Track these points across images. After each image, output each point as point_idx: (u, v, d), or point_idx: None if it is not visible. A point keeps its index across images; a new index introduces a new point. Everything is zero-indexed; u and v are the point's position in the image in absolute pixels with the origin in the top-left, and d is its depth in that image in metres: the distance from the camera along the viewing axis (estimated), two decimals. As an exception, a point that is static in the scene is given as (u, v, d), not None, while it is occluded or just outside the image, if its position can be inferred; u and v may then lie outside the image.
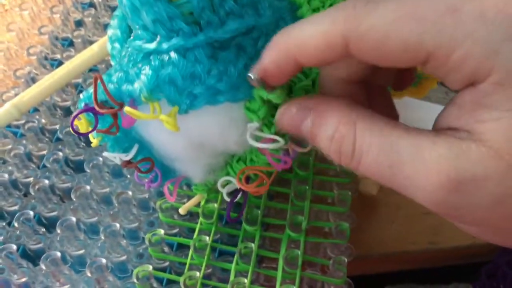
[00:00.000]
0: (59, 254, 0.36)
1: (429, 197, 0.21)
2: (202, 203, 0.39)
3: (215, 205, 0.38)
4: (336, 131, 0.23)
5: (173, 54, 0.27)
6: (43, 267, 0.36)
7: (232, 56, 0.27)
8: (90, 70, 0.47)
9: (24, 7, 0.52)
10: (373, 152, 0.22)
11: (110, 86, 0.27)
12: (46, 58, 0.49)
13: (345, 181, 0.41)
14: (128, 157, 0.31)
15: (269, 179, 0.33)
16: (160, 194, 0.41)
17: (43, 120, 0.45)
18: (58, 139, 0.45)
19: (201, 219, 0.38)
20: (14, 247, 0.37)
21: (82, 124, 0.27)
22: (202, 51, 0.27)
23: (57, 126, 0.45)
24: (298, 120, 0.25)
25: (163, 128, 0.27)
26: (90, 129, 0.28)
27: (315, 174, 0.41)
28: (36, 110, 0.46)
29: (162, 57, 0.27)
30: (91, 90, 0.27)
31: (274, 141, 0.29)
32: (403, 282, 0.49)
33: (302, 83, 0.30)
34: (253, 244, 0.37)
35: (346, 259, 0.36)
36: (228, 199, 0.35)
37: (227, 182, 0.35)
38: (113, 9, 0.54)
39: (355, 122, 0.22)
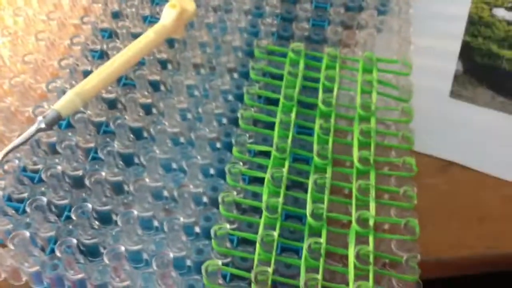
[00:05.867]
0: (123, 248, 0.34)
1: None
2: (265, 197, 0.37)
3: (279, 199, 0.37)
4: None
5: None
6: (106, 261, 0.34)
7: None
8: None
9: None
10: None
11: None
12: (86, 49, 0.48)
13: (408, 175, 0.40)
14: None
15: None
16: (215, 189, 0.40)
17: (89, 112, 0.43)
18: (106, 132, 0.43)
19: (264, 213, 0.37)
20: (74, 241, 0.35)
21: None
22: None
23: (104, 119, 0.43)
24: None
25: None
26: None
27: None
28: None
29: None
30: None
31: None
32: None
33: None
34: (321, 239, 0.35)
35: (418, 256, 0.35)
36: None
37: None
38: (153, 1, 0.52)
39: None
